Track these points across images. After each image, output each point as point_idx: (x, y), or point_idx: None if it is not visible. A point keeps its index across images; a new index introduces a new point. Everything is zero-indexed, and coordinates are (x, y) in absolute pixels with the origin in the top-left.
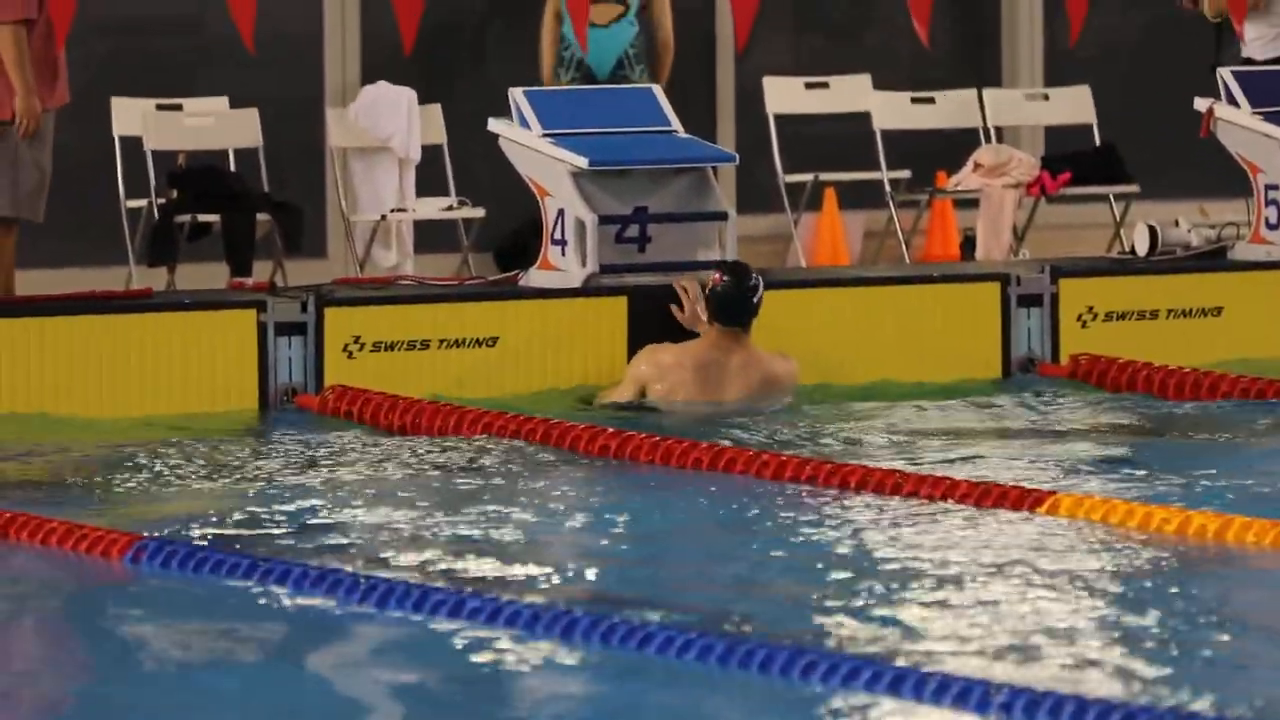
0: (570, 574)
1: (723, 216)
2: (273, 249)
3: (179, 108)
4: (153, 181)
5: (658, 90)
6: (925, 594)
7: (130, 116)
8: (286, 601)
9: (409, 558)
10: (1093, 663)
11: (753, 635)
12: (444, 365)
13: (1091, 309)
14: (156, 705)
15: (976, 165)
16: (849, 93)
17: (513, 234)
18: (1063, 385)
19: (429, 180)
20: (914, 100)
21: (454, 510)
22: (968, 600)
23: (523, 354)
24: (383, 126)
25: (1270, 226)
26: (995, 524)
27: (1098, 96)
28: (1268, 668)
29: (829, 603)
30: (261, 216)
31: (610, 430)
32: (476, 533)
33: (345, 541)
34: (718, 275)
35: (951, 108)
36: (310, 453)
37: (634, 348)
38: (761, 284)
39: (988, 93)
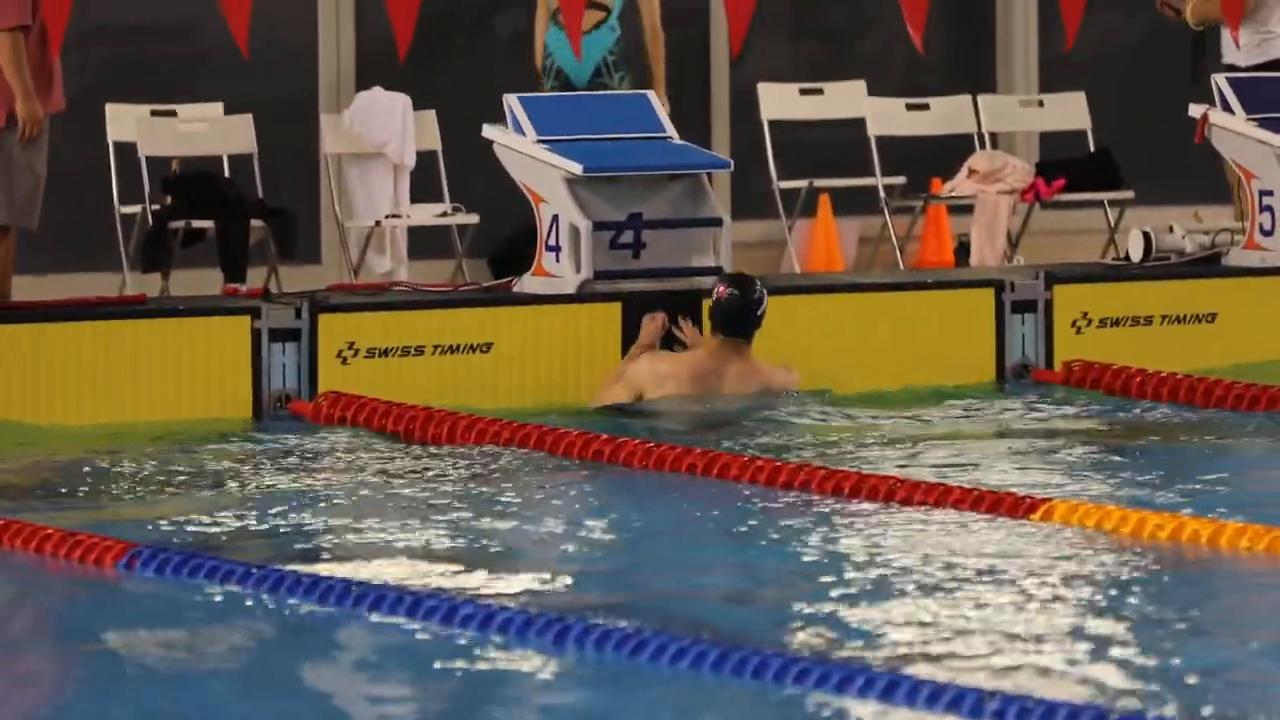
0: (563, 580)
1: (717, 223)
2: (267, 255)
3: (173, 114)
4: (147, 187)
5: (652, 96)
6: (919, 601)
7: (125, 122)
8: (279, 608)
9: (402, 564)
10: (1087, 670)
11: (747, 642)
12: (438, 371)
13: (1086, 315)
14: (151, 711)
15: (971, 171)
16: (843, 99)
17: (507, 240)
18: (1057, 391)
19: (423, 186)
20: (908, 106)
21: (447, 516)
22: (961, 607)
23: (517, 360)
24: (377, 132)
25: (1264, 232)
26: (990, 530)
27: (1092, 102)
28: (1261, 675)
29: (823, 609)
30: (255, 223)
31: (604, 436)
32: (469, 539)
33: (339, 548)
34: (722, 287)
35: (946, 114)
36: (304, 459)
37: (628, 354)
38: (765, 296)
39: (982, 99)
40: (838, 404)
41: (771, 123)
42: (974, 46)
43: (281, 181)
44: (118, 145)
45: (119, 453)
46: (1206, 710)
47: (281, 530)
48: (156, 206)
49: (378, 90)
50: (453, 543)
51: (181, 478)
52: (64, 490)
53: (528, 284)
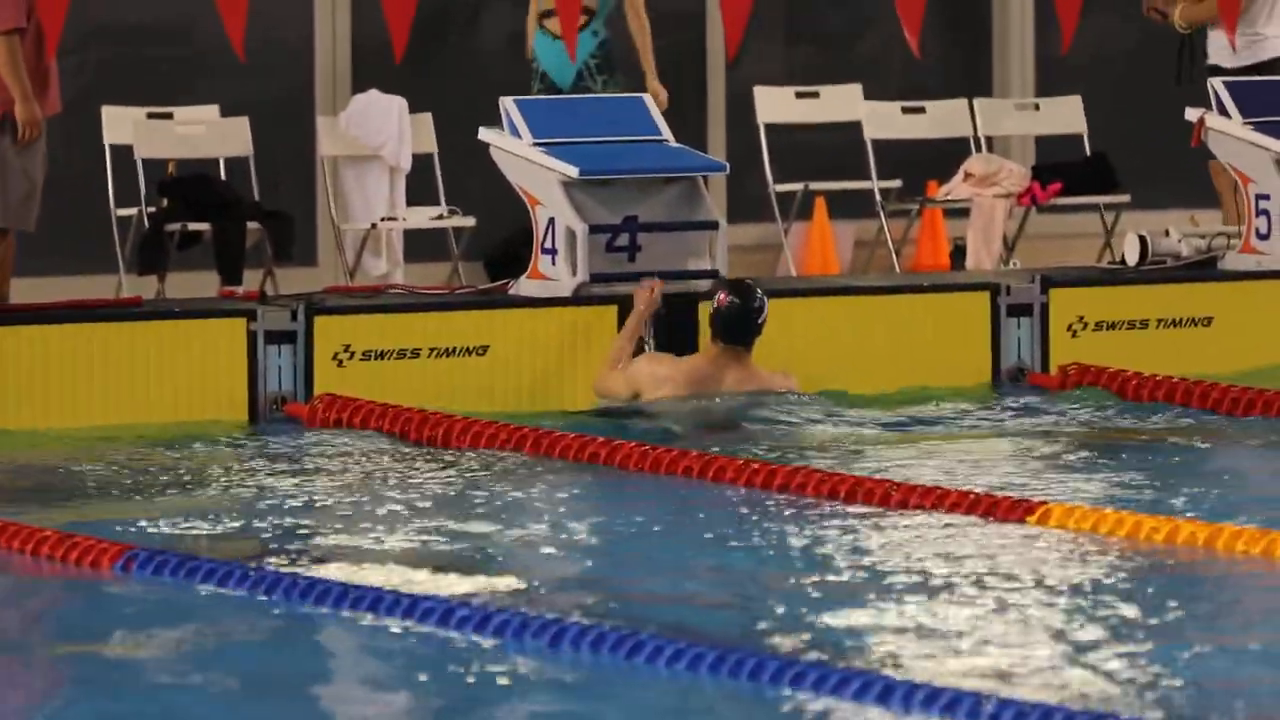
0: (558, 582)
1: (713, 226)
2: (263, 257)
3: (170, 116)
4: (143, 190)
5: (648, 99)
6: (916, 605)
7: (121, 125)
8: (276, 609)
9: (397, 566)
10: (1084, 674)
11: (743, 644)
12: (434, 374)
13: (1081, 319)
14: (146, 713)
15: (967, 175)
16: (840, 102)
17: (503, 243)
18: (1052, 395)
19: (419, 189)
20: (904, 110)
21: (442, 519)
22: (958, 610)
23: (513, 363)
24: (373, 135)
25: (1260, 236)
26: (985, 534)
27: (1089, 106)
28: (1257, 677)
29: (820, 612)
30: (252, 225)
31: (600, 439)
32: (465, 541)
33: (334, 550)
34: (723, 295)
35: (942, 117)
36: (299, 462)
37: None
38: (766, 304)
39: (978, 102)
40: (833, 407)
41: (767, 126)
42: (970, 50)
43: (278, 184)
44: (114, 148)
45: (115, 455)
46: (1204, 713)
47: (277, 532)
48: (153, 209)
49: (374, 93)
50: (448, 545)
51: (177, 480)
52: (61, 492)
53: (524, 287)
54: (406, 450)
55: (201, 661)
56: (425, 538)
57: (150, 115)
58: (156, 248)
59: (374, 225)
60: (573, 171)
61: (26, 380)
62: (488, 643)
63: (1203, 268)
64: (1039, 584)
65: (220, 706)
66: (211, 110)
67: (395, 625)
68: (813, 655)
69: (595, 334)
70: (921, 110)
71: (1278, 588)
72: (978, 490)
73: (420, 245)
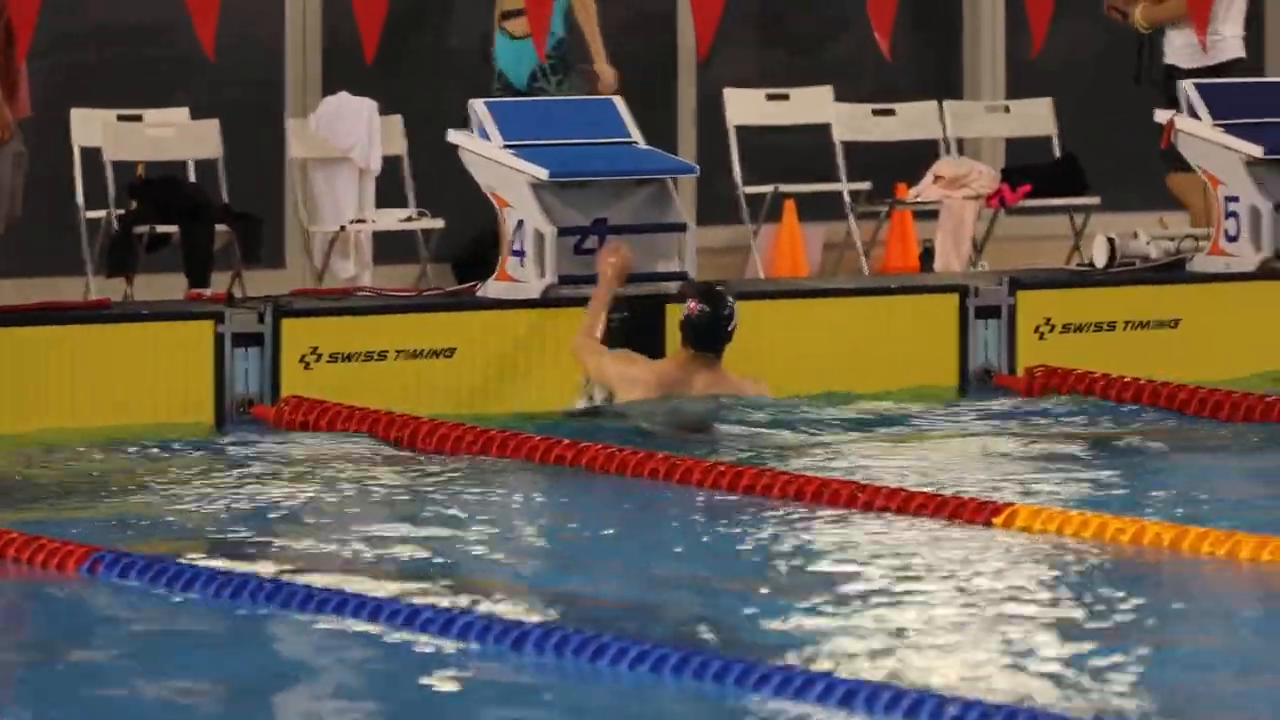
0: (523, 584)
1: (682, 228)
2: (231, 259)
3: (139, 119)
4: (112, 192)
5: (618, 101)
6: (882, 607)
7: (90, 127)
8: (242, 612)
9: (363, 569)
10: (1048, 675)
11: (707, 647)
12: (401, 376)
13: (1049, 320)
14: (112, 714)
15: (936, 177)
16: (810, 104)
17: (472, 245)
18: (1019, 397)
19: (388, 191)
20: (874, 112)
21: (408, 521)
22: (923, 612)
23: (480, 365)
24: (343, 137)
25: (1229, 239)
26: (952, 535)
27: (1059, 108)
28: (1223, 679)
29: (785, 614)
30: (220, 227)
31: (566, 441)
32: (430, 543)
33: (300, 553)
34: (693, 303)
35: (912, 119)
36: (266, 464)
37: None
38: (736, 312)
39: (948, 104)
40: (800, 409)
41: (737, 128)
42: (941, 52)
43: (247, 186)
44: (83, 150)
45: (82, 457)
46: (1169, 714)
47: (244, 535)
48: (121, 211)
49: (344, 95)
50: (414, 548)
51: (144, 482)
52: (27, 494)
53: (492, 289)
54: (373, 452)
55: (168, 663)
56: (391, 540)
57: (120, 118)
58: (125, 250)
59: (343, 227)
60: (542, 173)
61: None
62: (451, 645)
63: (1171, 270)
64: (1005, 585)
65: (185, 708)
66: (181, 113)
67: (359, 628)
68: (777, 657)
69: (563, 336)
70: (891, 112)
71: (1243, 589)
72: (944, 492)
73: (389, 247)
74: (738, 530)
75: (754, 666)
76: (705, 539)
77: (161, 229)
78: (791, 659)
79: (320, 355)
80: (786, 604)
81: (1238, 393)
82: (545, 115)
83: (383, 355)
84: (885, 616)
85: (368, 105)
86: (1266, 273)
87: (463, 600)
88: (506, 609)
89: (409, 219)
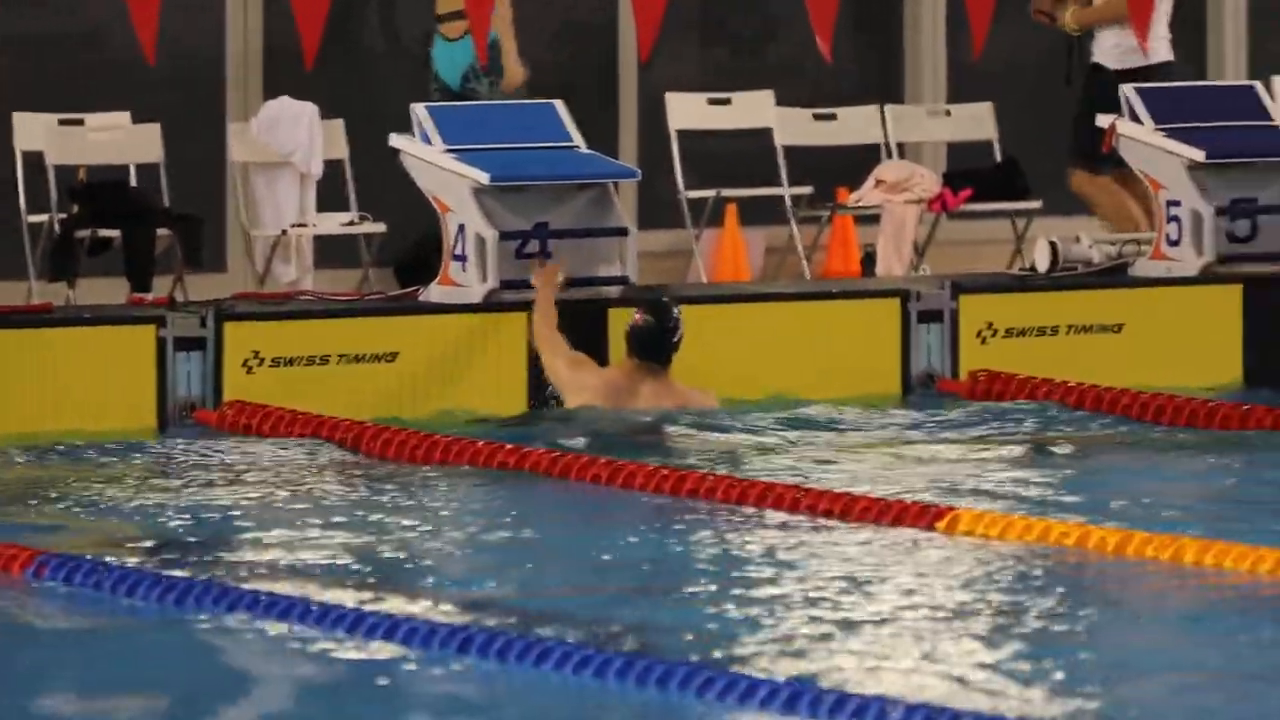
0: (466, 590)
1: (623, 232)
2: (173, 264)
3: (81, 123)
4: (54, 196)
5: (560, 105)
6: (825, 610)
7: (32, 131)
8: (186, 616)
9: (307, 573)
10: (991, 678)
11: (652, 652)
12: (343, 380)
13: (991, 325)
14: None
15: (878, 181)
16: (751, 108)
17: (413, 249)
18: (962, 401)
19: (330, 195)
20: (816, 116)
21: (353, 526)
22: (867, 616)
23: (422, 369)
24: (284, 141)
25: (1171, 243)
26: (895, 539)
27: (1000, 112)
28: (1167, 681)
29: (728, 619)
30: (162, 231)
31: (509, 446)
32: (374, 548)
33: (244, 557)
34: (639, 315)
35: (853, 123)
36: (209, 468)
37: (534, 363)
38: (682, 322)
39: (890, 109)
40: (744, 413)
41: (679, 132)
42: (882, 56)
43: (188, 190)
44: (25, 154)
45: (25, 461)
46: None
47: (187, 539)
48: (63, 215)
49: (285, 99)
50: (358, 552)
51: (87, 486)
52: None
53: (434, 293)
54: (316, 457)
55: (111, 667)
56: (335, 545)
57: (62, 122)
58: (67, 254)
59: (284, 231)
60: (484, 178)
61: None
62: (396, 650)
63: (1113, 274)
64: (948, 589)
65: (128, 712)
66: (123, 117)
67: (305, 632)
68: (722, 662)
69: (505, 340)
70: (833, 117)
71: (1186, 592)
72: (887, 496)
73: (331, 251)
74: (680, 535)
75: (698, 670)
76: (648, 544)
77: (103, 233)
78: (736, 663)
79: (263, 359)
80: (729, 608)
81: (1180, 397)
82: (486, 119)
83: (325, 359)
84: (829, 620)
85: (309, 109)
86: (1208, 277)
87: (406, 605)
88: (450, 614)
89: (351, 223)
